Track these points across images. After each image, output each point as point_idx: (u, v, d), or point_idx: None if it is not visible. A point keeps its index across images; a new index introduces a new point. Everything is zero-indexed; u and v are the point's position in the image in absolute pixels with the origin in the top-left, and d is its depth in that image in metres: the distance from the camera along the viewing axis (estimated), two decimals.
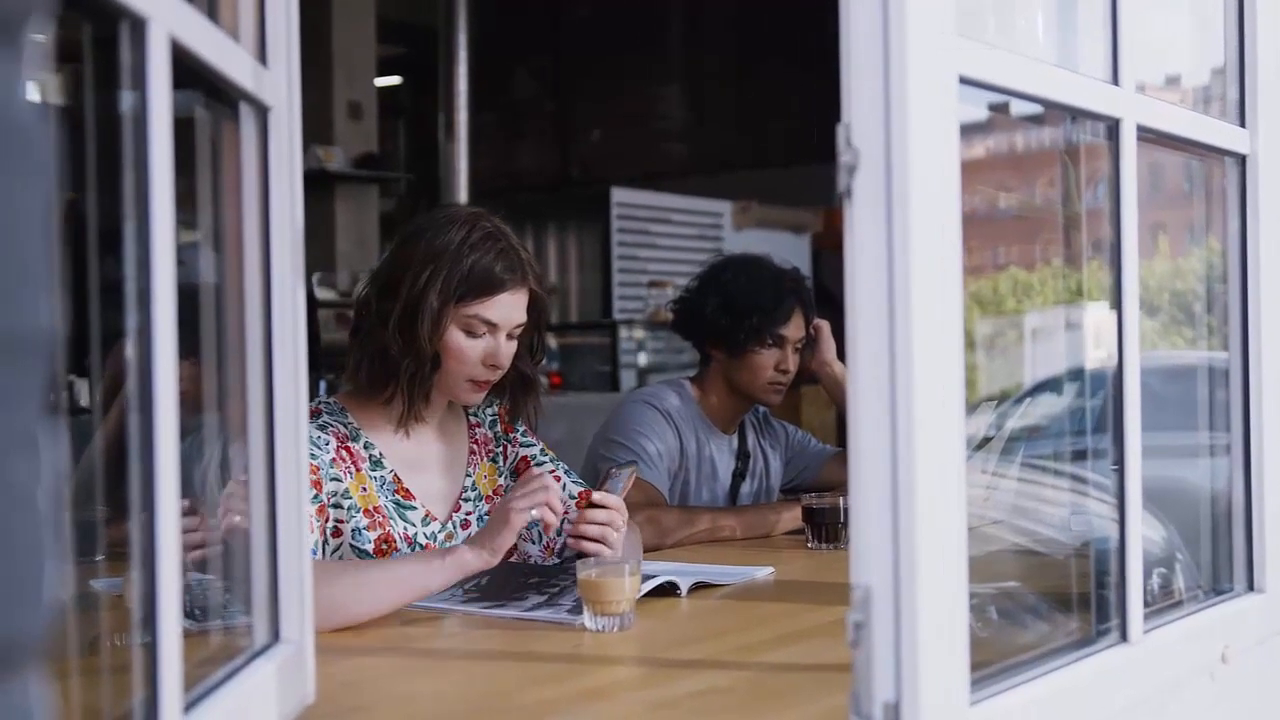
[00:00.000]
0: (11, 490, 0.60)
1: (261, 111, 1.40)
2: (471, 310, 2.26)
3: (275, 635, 1.42)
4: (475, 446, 2.46)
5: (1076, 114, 1.63)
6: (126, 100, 1.06)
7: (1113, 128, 1.59)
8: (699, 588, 2.27)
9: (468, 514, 2.39)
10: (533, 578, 2.22)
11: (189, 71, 1.16)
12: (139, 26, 1.04)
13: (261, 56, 1.41)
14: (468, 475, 2.43)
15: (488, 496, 2.44)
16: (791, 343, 3.12)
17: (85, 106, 1.07)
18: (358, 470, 2.26)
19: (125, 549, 1.12)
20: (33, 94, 0.63)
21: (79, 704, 1.22)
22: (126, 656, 1.19)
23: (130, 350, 1.05)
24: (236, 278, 1.40)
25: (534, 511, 2.05)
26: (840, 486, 3.04)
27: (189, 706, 1.13)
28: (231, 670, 1.31)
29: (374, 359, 2.28)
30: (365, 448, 2.30)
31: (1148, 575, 1.72)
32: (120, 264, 1.06)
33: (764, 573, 2.45)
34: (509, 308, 2.29)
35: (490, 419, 2.51)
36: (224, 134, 1.39)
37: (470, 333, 2.27)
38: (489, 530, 2.08)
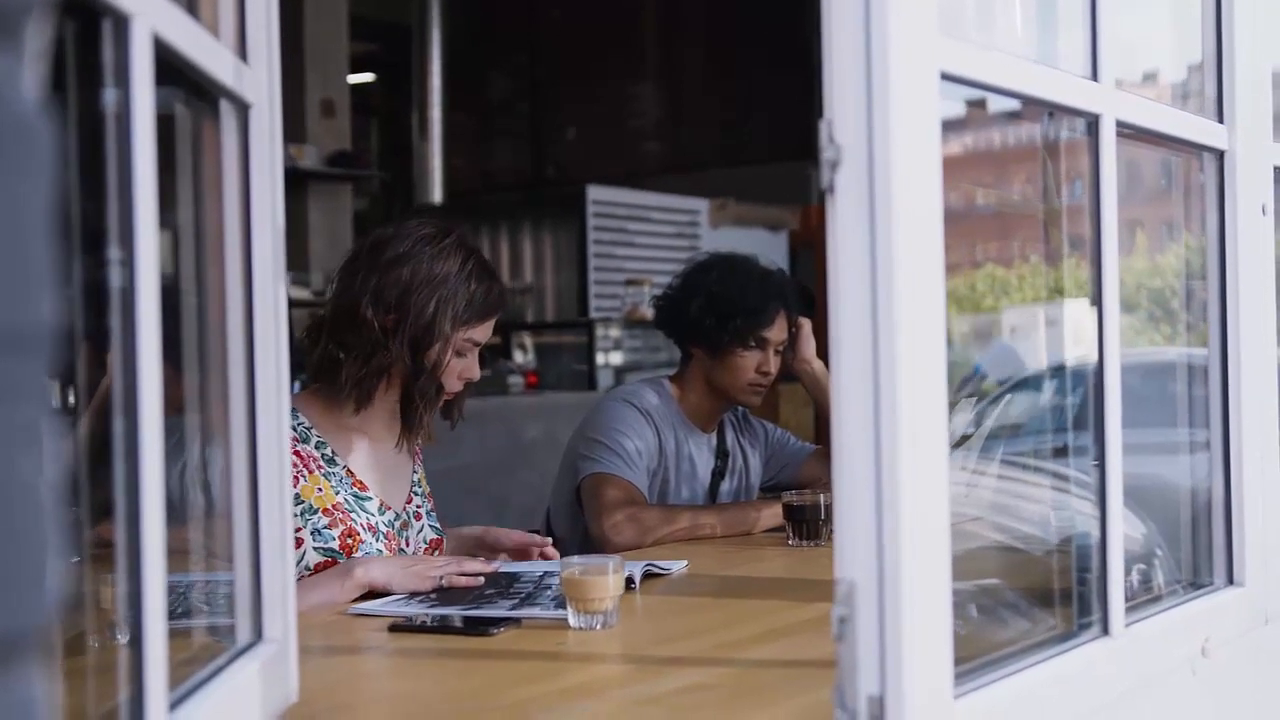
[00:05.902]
0: (17, 484, 0.61)
1: (242, 109, 1.40)
2: (468, 335, 2.40)
3: (258, 634, 1.42)
4: (416, 449, 2.59)
5: (1057, 109, 1.63)
6: (108, 97, 1.05)
7: (1092, 123, 1.59)
8: (649, 577, 2.33)
9: (418, 507, 2.54)
10: (489, 588, 2.21)
11: (169, 68, 1.15)
12: (122, 23, 1.03)
13: (242, 53, 1.40)
14: (415, 472, 2.56)
15: (429, 494, 2.59)
16: (774, 345, 3.11)
17: (66, 103, 1.07)
18: (310, 472, 2.35)
19: (104, 550, 1.12)
20: (33, 91, 0.63)
21: (62, 704, 1.21)
22: (106, 656, 1.19)
23: (112, 351, 1.05)
24: (217, 277, 1.40)
25: (443, 581, 2.22)
26: (820, 484, 3.04)
27: (173, 705, 1.13)
28: (215, 669, 1.30)
29: (376, 375, 2.37)
30: (317, 447, 2.38)
31: (1127, 571, 1.73)
32: (102, 263, 1.05)
33: (679, 566, 2.47)
34: (491, 329, 2.47)
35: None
36: (204, 131, 1.38)
37: (459, 353, 2.41)
38: (396, 562, 2.25)
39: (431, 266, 2.36)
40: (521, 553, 2.53)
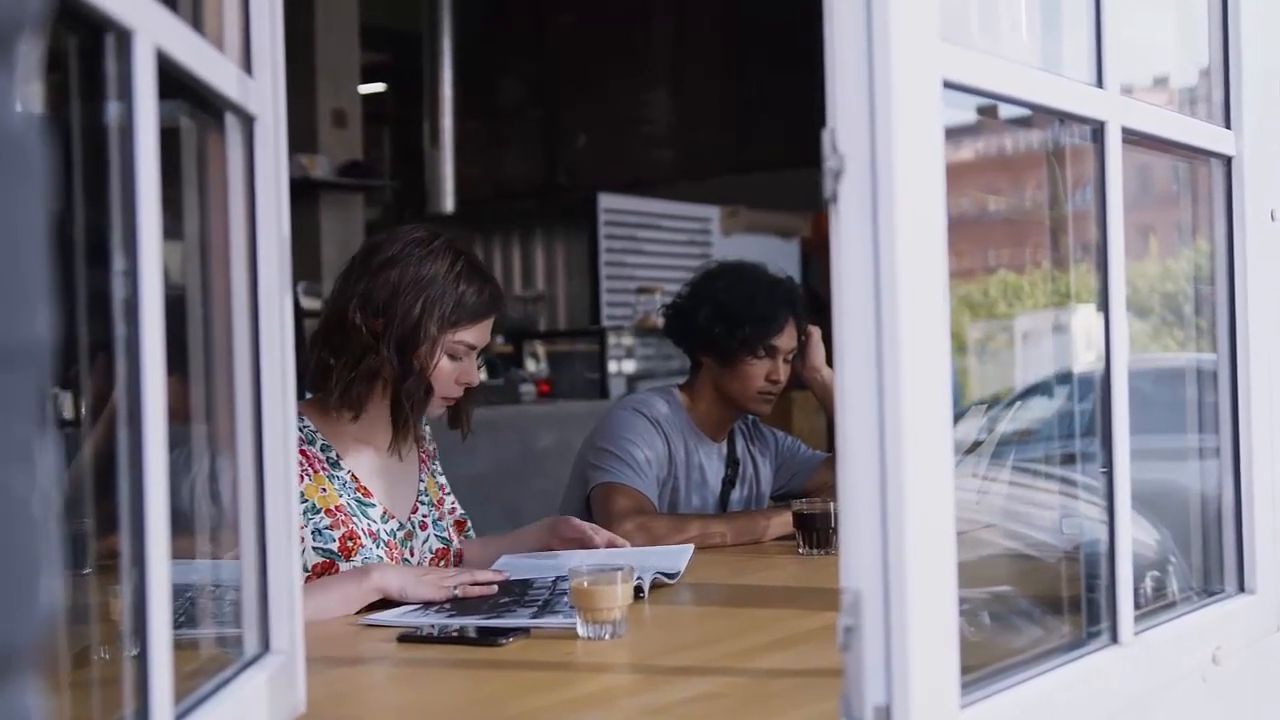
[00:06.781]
0: (9, 500, 0.61)
1: (247, 121, 1.40)
2: (459, 337, 2.40)
3: (266, 645, 1.42)
4: (423, 456, 2.59)
5: (1061, 117, 1.63)
6: (112, 110, 1.06)
7: (1098, 130, 1.59)
8: (657, 586, 2.33)
9: (424, 516, 2.53)
10: (504, 597, 2.21)
11: (173, 81, 1.16)
12: (125, 38, 1.03)
13: (247, 66, 1.40)
14: (420, 480, 2.56)
15: (436, 502, 2.57)
16: (783, 353, 3.11)
17: (70, 116, 1.07)
18: (315, 472, 2.36)
19: (114, 562, 1.12)
20: (26, 105, 0.63)
21: (70, 716, 1.22)
22: (115, 668, 1.19)
23: (119, 362, 1.05)
24: (223, 289, 1.40)
25: (457, 591, 2.21)
26: (830, 492, 3.03)
27: (179, 717, 1.13)
28: (222, 681, 1.30)
29: (365, 380, 2.37)
30: (322, 450, 2.39)
31: (1141, 578, 1.73)
32: (106, 275, 1.06)
33: (685, 552, 2.53)
34: (487, 332, 2.45)
35: (429, 434, 2.65)
36: (209, 144, 1.39)
37: (452, 356, 2.40)
38: (411, 572, 2.24)
39: (420, 268, 2.36)
40: (580, 541, 2.58)
